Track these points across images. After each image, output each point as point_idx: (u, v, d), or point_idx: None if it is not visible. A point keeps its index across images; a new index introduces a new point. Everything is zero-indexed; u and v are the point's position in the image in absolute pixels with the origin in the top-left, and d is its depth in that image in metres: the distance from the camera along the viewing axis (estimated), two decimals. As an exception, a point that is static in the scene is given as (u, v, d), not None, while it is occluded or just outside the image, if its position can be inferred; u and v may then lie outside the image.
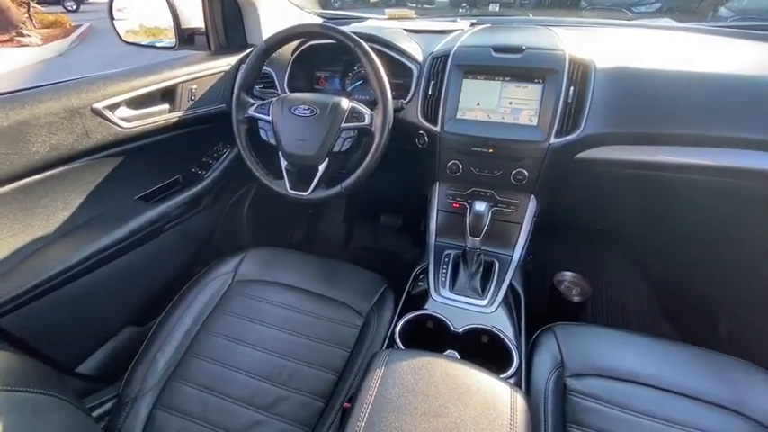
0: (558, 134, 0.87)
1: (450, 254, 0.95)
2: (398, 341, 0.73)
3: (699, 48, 1.00)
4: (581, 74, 0.88)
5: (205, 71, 1.08)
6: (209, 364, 0.81)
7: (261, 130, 0.94)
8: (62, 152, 0.80)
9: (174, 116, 1.00)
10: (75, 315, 0.87)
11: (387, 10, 1.48)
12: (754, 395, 0.70)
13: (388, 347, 0.75)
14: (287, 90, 1.11)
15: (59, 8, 10.93)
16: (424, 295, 0.86)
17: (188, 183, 1.11)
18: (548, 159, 0.89)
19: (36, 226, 0.81)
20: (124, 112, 0.90)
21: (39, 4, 9.24)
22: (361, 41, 0.86)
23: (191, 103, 1.04)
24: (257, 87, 1.13)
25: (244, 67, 0.95)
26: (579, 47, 0.91)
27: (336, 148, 0.88)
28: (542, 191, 0.95)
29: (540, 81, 0.90)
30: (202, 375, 0.79)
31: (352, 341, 0.83)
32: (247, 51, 1.17)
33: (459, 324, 0.75)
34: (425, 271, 0.92)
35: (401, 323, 0.76)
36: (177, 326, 0.87)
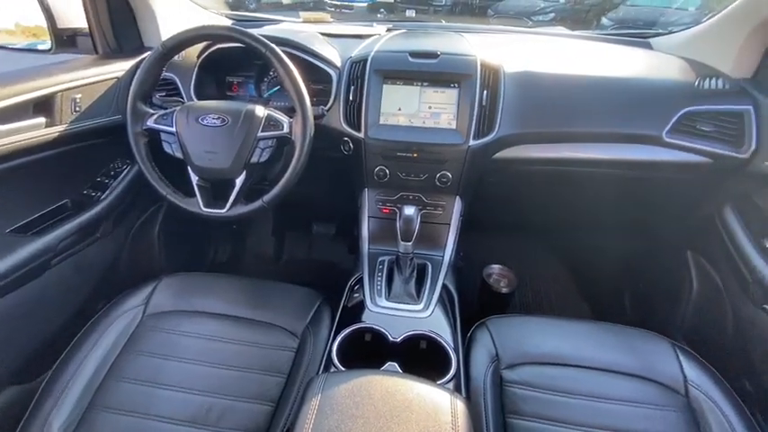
0: (476, 136, 0.91)
1: (384, 260, 0.94)
2: (336, 361, 0.69)
3: (588, 53, 1.11)
4: (492, 78, 0.92)
5: (92, 78, 0.94)
6: (120, 417, 0.69)
7: (164, 143, 0.84)
8: None
9: (54, 131, 0.86)
10: None
11: (302, 13, 1.43)
12: (658, 362, 0.79)
13: (325, 368, 0.71)
14: (194, 98, 1.01)
15: None
16: (361, 306, 0.83)
17: (79, 207, 0.96)
18: (468, 161, 0.92)
19: None
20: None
21: None
22: (273, 45, 0.81)
23: (75, 114, 0.90)
24: (158, 95, 1.02)
25: (139, 71, 0.84)
26: (488, 52, 0.96)
27: (254, 159, 0.81)
28: (466, 191, 0.98)
29: (456, 85, 0.92)
30: (114, 430, 0.68)
31: (288, 366, 0.77)
32: (144, 56, 1.05)
33: (396, 333, 0.74)
34: (360, 281, 0.90)
35: (338, 341, 0.73)
36: (76, 376, 0.74)
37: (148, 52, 0.86)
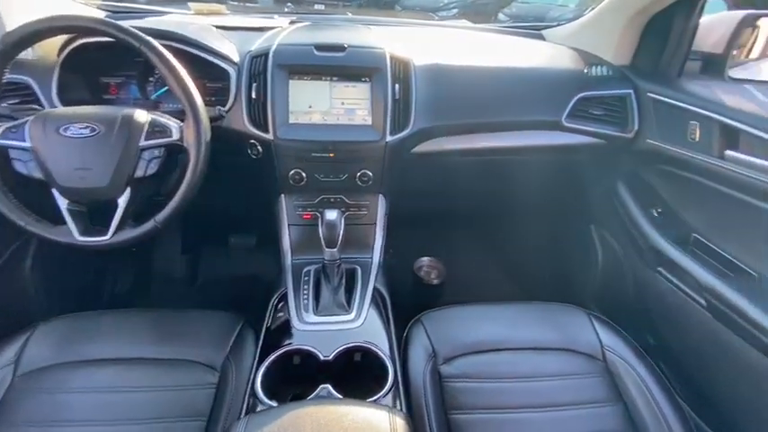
0: (393, 131, 0.88)
1: (309, 270, 0.88)
2: (261, 395, 0.61)
3: (490, 45, 1.15)
4: (403, 71, 0.90)
5: None
6: None
7: (15, 162, 0.67)
8: None
9: None
10: None
11: (191, 4, 1.28)
12: (578, 333, 0.85)
13: (250, 405, 0.62)
14: (58, 104, 0.84)
15: None
16: (287, 326, 0.76)
17: None
18: (387, 157, 0.89)
19: None
20: None
21: None
22: (148, 38, 0.69)
23: None
24: (7, 103, 0.82)
25: None
26: (397, 45, 0.93)
27: (139, 173, 0.69)
28: (389, 188, 0.95)
29: (367, 79, 0.89)
30: None
31: (208, 407, 0.68)
32: None
33: (328, 350, 0.69)
34: (285, 297, 0.82)
35: (262, 370, 0.65)
36: None
37: None
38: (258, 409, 0.60)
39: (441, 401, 0.73)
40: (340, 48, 0.88)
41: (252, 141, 0.87)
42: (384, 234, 0.96)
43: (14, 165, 0.67)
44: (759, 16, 0.87)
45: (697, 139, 0.85)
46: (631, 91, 0.99)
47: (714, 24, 0.90)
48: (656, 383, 0.76)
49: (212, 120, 0.78)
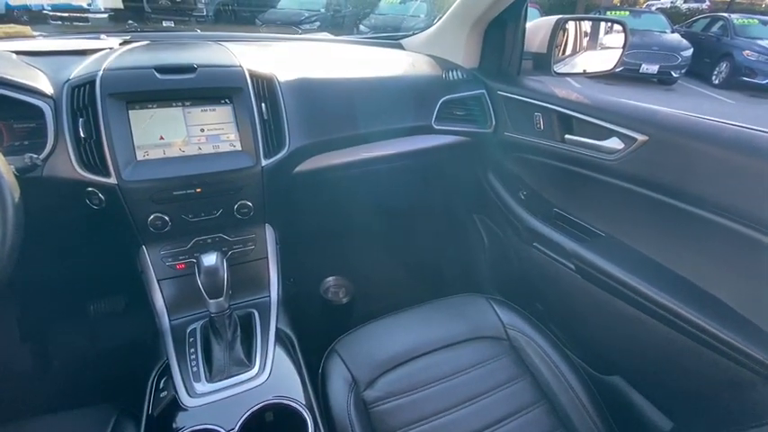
0: (267, 155, 0.80)
1: (195, 329, 0.74)
2: None
3: (354, 57, 1.15)
4: (267, 89, 0.83)
5: None
6: None
7: None
8: None
9: None
10: None
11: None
12: (482, 319, 0.90)
13: None
14: None
15: None
16: (174, 406, 0.62)
17: None
18: (266, 183, 0.81)
19: None
20: None
21: None
22: None
23: None
24: None
25: None
26: (255, 61, 0.86)
27: None
28: (275, 215, 0.87)
29: (227, 101, 0.79)
30: None
31: None
32: None
33: (232, 422, 0.58)
34: (167, 369, 0.68)
35: None
36: None
37: None
38: None
39: (370, 429, 0.69)
40: (189, 68, 0.77)
41: (90, 189, 0.70)
42: (278, 266, 0.88)
43: None
44: (567, 20, 1.04)
45: (542, 128, 0.97)
46: (484, 91, 1.09)
47: (536, 28, 1.05)
48: (551, 347, 0.84)
49: (21, 171, 0.60)
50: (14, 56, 0.83)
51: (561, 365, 0.82)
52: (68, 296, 1.19)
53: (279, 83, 0.86)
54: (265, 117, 0.81)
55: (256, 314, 0.79)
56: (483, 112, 1.10)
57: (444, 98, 1.05)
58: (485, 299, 0.94)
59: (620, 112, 0.80)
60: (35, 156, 0.65)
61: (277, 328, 0.77)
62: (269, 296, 0.84)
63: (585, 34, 1.18)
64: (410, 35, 1.36)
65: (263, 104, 0.81)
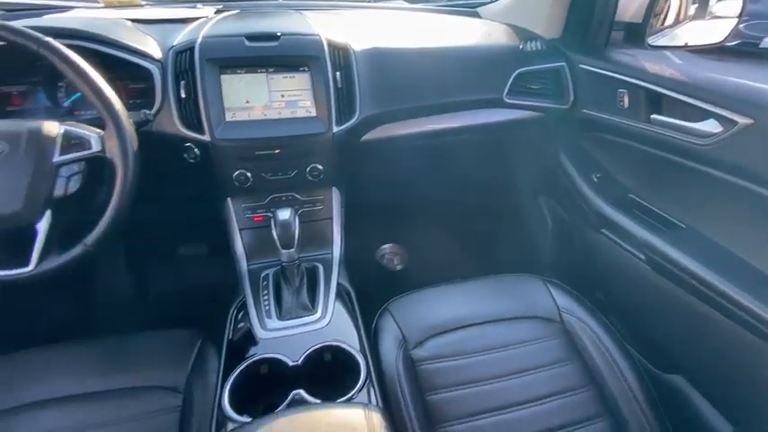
0: (339, 122, 0.85)
1: (268, 274, 0.84)
2: (230, 412, 0.58)
3: (427, 25, 1.14)
4: (342, 58, 0.87)
5: None
6: None
7: None
8: None
9: None
10: None
11: (101, -5, 1.15)
12: (536, 300, 0.89)
13: (219, 425, 0.59)
14: None
15: None
16: (249, 336, 0.72)
17: None
18: (337, 149, 0.86)
19: None
20: None
21: None
22: (49, 39, 0.60)
23: None
24: None
25: None
26: (332, 30, 0.90)
27: (59, 193, 0.62)
28: (342, 180, 0.93)
29: (306, 69, 0.85)
30: None
31: (175, 431, 0.64)
32: None
33: (296, 355, 0.67)
34: (244, 306, 0.79)
35: (228, 386, 0.62)
36: None
37: None
38: (229, 427, 0.57)
39: (416, 386, 0.74)
40: (273, 36, 0.83)
41: (187, 144, 0.80)
42: (342, 227, 0.94)
43: None
44: (670, -15, 0.93)
45: (626, 106, 0.90)
46: (564, 63, 1.03)
47: (632, -5, 0.95)
48: (607, 336, 0.82)
49: (138, 125, 0.71)
50: (129, 23, 0.94)
51: (615, 354, 0.79)
52: (163, 239, 1.38)
53: (353, 52, 0.89)
54: (339, 85, 0.85)
55: (321, 268, 0.86)
56: (560, 86, 1.04)
57: (519, 71, 1.01)
58: (541, 281, 0.93)
59: (721, 91, 0.71)
60: (148, 111, 0.76)
61: (338, 282, 0.84)
62: (332, 253, 0.91)
63: (693, 0, 1.05)
64: (488, 2, 1.30)
65: (337, 73, 0.85)
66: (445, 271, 1.46)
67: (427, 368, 0.78)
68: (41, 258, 0.61)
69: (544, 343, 0.83)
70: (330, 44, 0.85)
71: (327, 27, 0.90)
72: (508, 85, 1.01)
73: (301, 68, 0.84)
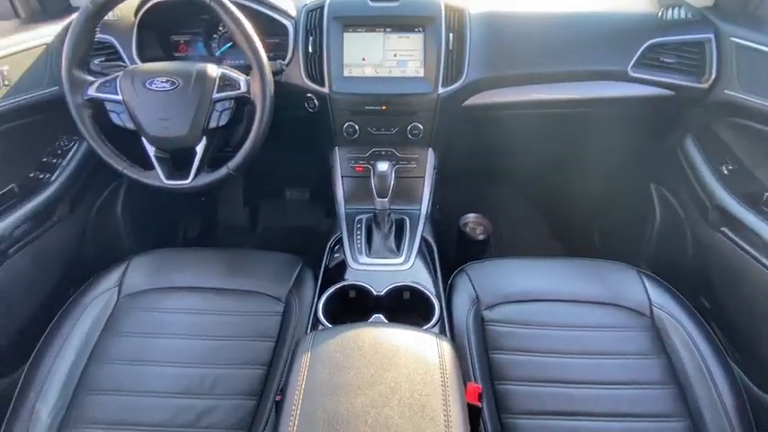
0: (445, 83, 0.88)
1: (361, 219, 0.94)
2: (323, 319, 0.70)
3: None
4: (457, 20, 0.88)
5: (17, 46, 0.83)
6: (110, 397, 0.69)
7: (111, 114, 0.77)
8: None
9: None
10: None
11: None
12: (625, 289, 0.84)
13: (313, 327, 0.71)
14: (137, 61, 0.92)
15: None
16: (342, 266, 0.83)
17: (27, 192, 0.89)
18: (439, 110, 0.90)
19: None
20: None
21: None
22: None
23: (4, 90, 0.81)
24: (97, 61, 0.92)
25: (68, 36, 0.76)
26: None
27: (213, 124, 0.76)
28: (438, 142, 0.97)
29: (421, 30, 0.88)
30: (105, 412, 0.67)
31: (276, 330, 0.78)
32: (72, 17, 0.93)
33: (380, 287, 0.75)
34: (340, 241, 0.90)
35: (323, 300, 0.73)
36: (57, 364, 0.72)
37: (76, 13, 0.76)
38: (320, 329, 0.68)
39: (482, 342, 0.78)
40: None
41: (309, 95, 0.91)
42: (432, 187, 0.99)
43: (111, 116, 0.77)
44: None
45: (784, 88, 0.77)
46: (712, 35, 0.90)
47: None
48: (704, 340, 0.75)
49: (274, 74, 0.82)
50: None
51: (709, 360, 0.73)
52: (274, 182, 1.59)
53: (469, 15, 0.90)
54: (450, 47, 0.87)
55: (408, 220, 0.93)
56: (702, 62, 0.91)
57: (652, 41, 0.91)
58: (635, 271, 0.88)
59: None
60: (282, 62, 0.88)
61: (422, 236, 0.90)
62: (419, 209, 0.97)
63: None
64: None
65: (450, 35, 0.87)
66: (529, 248, 1.43)
67: (495, 329, 0.80)
68: (196, 174, 0.78)
69: (626, 332, 0.79)
70: (447, 6, 0.87)
71: None
72: (636, 57, 0.92)
73: (416, 29, 0.88)
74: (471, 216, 1.32)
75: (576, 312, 0.82)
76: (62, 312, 0.79)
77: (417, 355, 0.51)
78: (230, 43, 1.03)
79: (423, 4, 0.88)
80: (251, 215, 1.59)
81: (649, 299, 0.83)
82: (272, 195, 1.61)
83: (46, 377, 0.70)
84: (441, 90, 0.88)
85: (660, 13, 0.93)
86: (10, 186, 0.88)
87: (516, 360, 0.75)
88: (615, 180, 1.30)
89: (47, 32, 0.89)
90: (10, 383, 0.71)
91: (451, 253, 1.05)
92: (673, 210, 1.08)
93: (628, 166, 1.24)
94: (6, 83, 0.81)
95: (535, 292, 0.84)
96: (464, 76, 0.89)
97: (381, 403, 0.45)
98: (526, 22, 0.94)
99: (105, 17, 0.80)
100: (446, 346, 0.53)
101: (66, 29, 0.91)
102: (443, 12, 0.87)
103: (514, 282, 0.87)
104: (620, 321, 0.80)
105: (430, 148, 0.97)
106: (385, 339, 0.52)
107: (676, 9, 0.93)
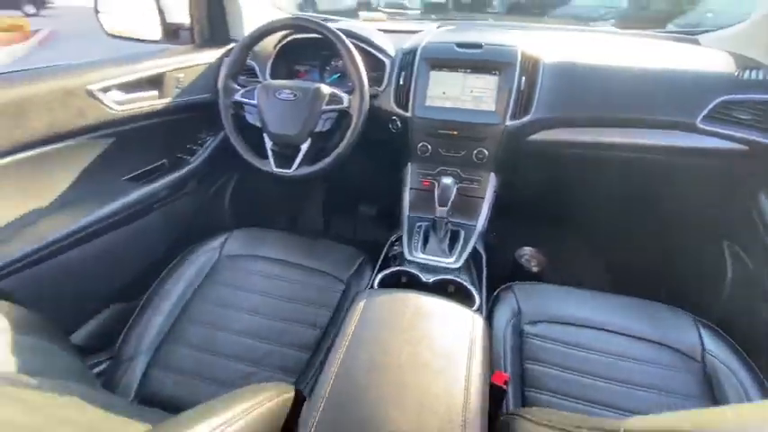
0: (513, 117, 1.00)
1: (421, 225, 1.06)
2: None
3: (632, 48, 1.16)
4: (531, 66, 1.01)
5: (190, 62, 1.15)
6: (201, 328, 0.87)
7: (247, 114, 1.02)
8: (59, 129, 0.85)
9: (162, 102, 1.07)
10: (68, 286, 0.91)
11: (361, 14, 1.61)
12: (679, 333, 0.83)
13: None
14: (269, 80, 1.19)
15: (18, 12, 10.50)
16: (399, 257, 0.96)
17: (173, 167, 1.17)
18: (504, 140, 1.01)
19: (33, 197, 0.86)
20: (116, 95, 0.96)
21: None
22: (341, 34, 0.96)
23: (177, 91, 1.11)
24: (241, 78, 1.21)
25: (230, 56, 1.04)
26: (530, 44, 1.05)
27: (318, 129, 0.97)
28: (501, 168, 1.07)
29: (497, 72, 1.02)
30: (196, 337, 0.85)
31: (335, 302, 0.91)
32: (230, 46, 1.25)
33: (429, 277, 0.86)
34: (400, 239, 1.02)
35: (379, 277, 0.86)
36: (168, 295, 0.92)
37: (234, 43, 1.04)
38: None
39: (519, 351, 0.81)
40: (478, 45, 1.04)
41: (393, 117, 1.09)
42: (490, 207, 1.08)
43: (246, 116, 1.02)
44: None
45: None
46: None
47: None
48: (759, 394, 0.72)
49: (371, 97, 1.02)
50: (377, 30, 1.30)
51: None
52: (348, 195, 1.79)
53: (543, 63, 1.02)
54: (522, 88, 1.00)
55: (463, 232, 1.03)
56: (779, 121, 0.92)
57: (725, 97, 0.94)
58: (691, 318, 0.86)
59: None
60: (379, 88, 1.08)
61: (474, 246, 0.99)
62: (475, 224, 1.06)
63: None
64: (713, 30, 1.22)
65: (522, 78, 1.00)
66: (582, 286, 1.41)
67: (534, 342, 0.83)
68: (298, 167, 0.98)
69: (671, 372, 0.78)
70: (524, 55, 1.01)
71: (528, 41, 1.05)
72: (706, 110, 0.95)
73: (493, 72, 1.03)
74: (528, 249, 1.36)
75: (619, 343, 0.82)
76: (178, 260, 1.01)
77: (452, 317, 0.60)
78: (338, 74, 1.27)
79: (502, 53, 1.03)
80: (326, 222, 1.80)
81: (702, 345, 0.81)
82: (346, 210, 1.81)
83: (160, 302, 0.90)
84: (508, 122, 1.00)
85: (737, 73, 0.97)
86: (163, 161, 1.17)
87: (550, 374, 0.77)
88: (682, 230, 1.27)
89: (211, 56, 1.21)
90: (132, 307, 0.92)
91: (502, 276, 1.11)
92: (745, 266, 1.03)
93: (698, 218, 1.21)
94: (179, 86, 1.12)
95: (580, 317, 0.85)
96: (530, 114, 1.00)
97: (414, 343, 0.55)
98: (599, 71, 1.02)
99: (253, 47, 1.08)
100: (478, 319, 0.61)
101: (225, 54, 1.22)
102: (519, 59, 1.01)
103: (560, 305, 0.88)
104: (666, 360, 0.79)
105: (492, 173, 1.08)
106: (428, 303, 0.62)
107: (756, 71, 0.96)
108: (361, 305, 0.62)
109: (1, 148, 0.77)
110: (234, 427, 0.40)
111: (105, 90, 0.92)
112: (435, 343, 0.55)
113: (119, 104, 0.96)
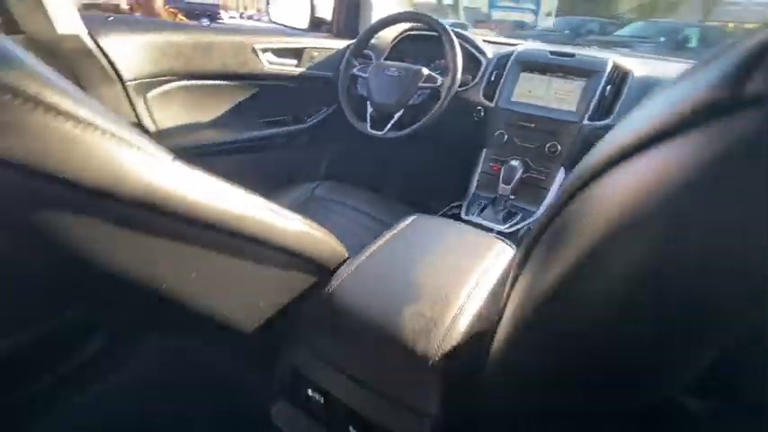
0: (591, 119, 1.07)
1: (482, 200, 1.17)
2: None
3: None
4: (620, 76, 1.08)
5: (324, 46, 1.44)
6: None
7: (358, 86, 1.26)
8: (228, 71, 1.17)
9: (298, 70, 1.36)
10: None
11: (471, 29, 1.79)
12: None
13: None
14: None
15: (196, 22, 13.09)
16: (458, 215, 1.08)
17: (294, 121, 1.46)
18: (579, 138, 1.09)
19: (199, 113, 1.19)
20: (269, 56, 1.27)
21: (185, 16, 11.15)
22: (448, 28, 1.15)
23: (310, 64, 1.40)
24: (359, 61, 1.48)
25: (356, 41, 1.29)
26: (624, 59, 1.12)
27: (411, 102, 1.16)
28: (571, 165, 1.14)
29: (584, 79, 1.11)
30: None
31: None
32: (357, 37, 1.53)
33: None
34: (461, 205, 1.15)
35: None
36: None
37: (360, 34, 1.30)
38: None
39: None
40: (570, 55, 1.15)
41: (479, 108, 1.23)
42: (554, 198, 1.14)
43: (358, 87, 1.26)
44: None
45: None
46: None
47: None
48: None
49: (461, 84, 1.18)
50: (485, 41, 1.47)
51: None
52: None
53: (632, 75, 1.09)
54: (606, 94, 1.07)
55: (521, 214, 1.11)
56: None
57: None
58: None
59: None
60: (469, 77, 1.24)
61: (530, 227, 1.07)
62: (536, 211, 1.13)
63: None
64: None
65: (609, 86, 1.07)
66: None
67: None
68: (389, 131, 1.17)
69: None
70: (615, 64, 1.09)
71: (623, 59, 1.12)
72: None
73: (581, 77, 1.12)
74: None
75: None
76: (277, 191, 1.26)
77: (495, 242, 0.70)
78: (439, 71, 1.46)
79: (594, 62, 1.12)
80: (400, 191, 1.97)
81: None
82: (419, 184, 1.97)
83: None
84: (585, 122, 1.07)
85: None
86: (288, 116, 1.46)
87: None
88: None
89: (340, 44, 1.49)
90: None
91: None
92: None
93: None
94: (311, 62, 1.41)
95: None
96: (610, 119, 1.07)
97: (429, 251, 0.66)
98: None
99: (377, 34, 1.32)
100: (508, 249, 0.71)
101: (351, 42, 1.50)
102: (609, 67, 1.08)
103: None
104: None
105: (562, 167, 1.15)
106: (470, 230, 0.73)
107: None
108: (396, 229, 0.75)
109: (193, 71, 1.10)
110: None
111: (264, 51, 1.24)
112: (471, 250, 0.66)
113: (270, 63, 1.27)
